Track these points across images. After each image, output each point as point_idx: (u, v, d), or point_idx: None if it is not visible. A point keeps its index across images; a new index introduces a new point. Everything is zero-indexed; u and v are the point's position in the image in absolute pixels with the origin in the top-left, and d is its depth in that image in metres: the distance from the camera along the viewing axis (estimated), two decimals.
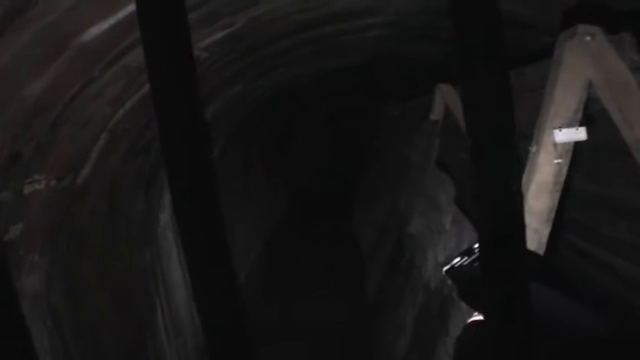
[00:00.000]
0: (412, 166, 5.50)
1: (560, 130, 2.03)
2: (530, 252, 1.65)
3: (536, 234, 2.05)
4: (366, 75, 6.71)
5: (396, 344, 4.32)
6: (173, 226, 4.33)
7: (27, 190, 2.08)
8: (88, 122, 2.35)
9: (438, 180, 4.40)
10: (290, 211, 11.61)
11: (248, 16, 2.64)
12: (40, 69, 1.72)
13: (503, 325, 0.54)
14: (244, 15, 2.61)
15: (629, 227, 2.41)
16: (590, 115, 2.12)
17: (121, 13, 1.74)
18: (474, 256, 1.44)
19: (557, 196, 2.06)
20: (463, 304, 2.69)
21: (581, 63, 2.00)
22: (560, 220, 2.31)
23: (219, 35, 2.70)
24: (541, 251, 2.03)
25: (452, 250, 3.32)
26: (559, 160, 2.04)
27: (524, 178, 2.11)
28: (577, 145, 2.08)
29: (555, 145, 2.04)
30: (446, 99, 4.49)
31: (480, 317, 1.26)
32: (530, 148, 2.13)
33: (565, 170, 2.06)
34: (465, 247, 2.43)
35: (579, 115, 2.04)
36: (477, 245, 1.44)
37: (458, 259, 1.48)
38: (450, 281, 2.92)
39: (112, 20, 1.75)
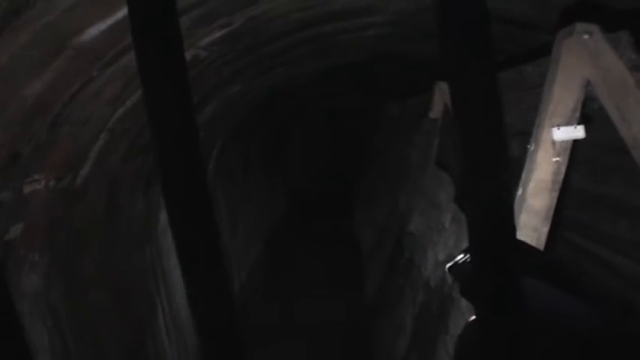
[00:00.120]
0: (412, 165, 5.49)
1: (559, 129, 2.03)
2: (532, 248, 1.65)
3: (535, 232, 2.05)
4: (366, 74, 6.71)
5: (395, 343, 4.32)
6: None
7: (26, 189, 2.08)
8: (87, 122, 2.35)
9: (437, 179, 4.39)
10: (289, 210, 11.60)
11: (246, 15, 2.64)
12: (39, 69, 1.72)
13: (493, 316, 0.54)
14: (243, 14, 2.61)
15: (629, 225, 2.41)
16: (588, 113, 2.13)
17: (120, 14, 1.74)
18: None
19: (555, 194, 2.07)
20: (463, 303, 2.70)
21: (579, 61, 2.01)
22: (559, 218, 2.32)
23: (217, 34, 2.70)
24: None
25: (451, 249, 3.32)
26: (557, 159, 2.05)
27: (523, 176, 2.12)
28: (575, 143, 2.08)
29: (554, 143, 2.04)
30: (445, 97, 4.48)
31: None
32: (528, 146, 2.13)
33: (563, 168, 2.07)
34: (465, 245, 2.43)
35: (577, 114, 2.05)
36: None
37: (461, 256, 1.47)
38: (451, 279, 2.93)
39: (110, 20, 1.76)
